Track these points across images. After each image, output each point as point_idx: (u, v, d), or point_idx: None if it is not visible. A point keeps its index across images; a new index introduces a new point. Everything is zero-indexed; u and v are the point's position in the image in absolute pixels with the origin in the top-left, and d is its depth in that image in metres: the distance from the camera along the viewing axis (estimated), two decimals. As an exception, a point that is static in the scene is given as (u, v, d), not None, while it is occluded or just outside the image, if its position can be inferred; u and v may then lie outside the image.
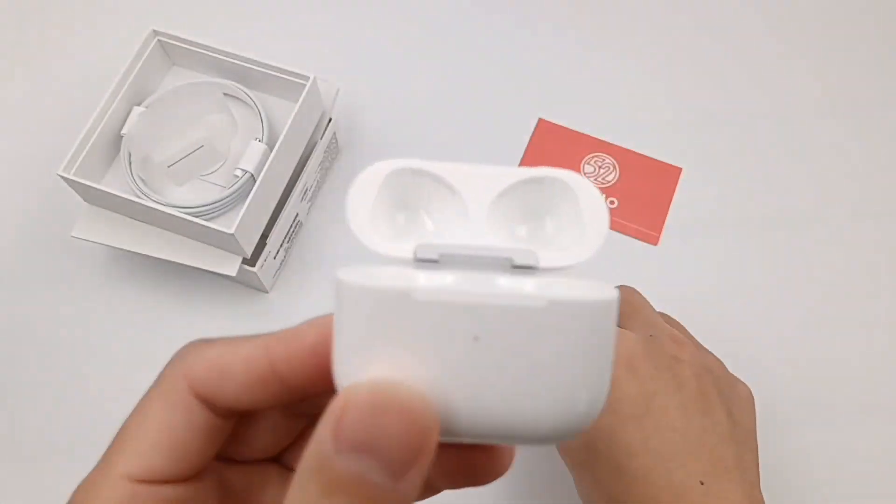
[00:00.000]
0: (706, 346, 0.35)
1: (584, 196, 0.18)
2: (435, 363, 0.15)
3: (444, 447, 0.15)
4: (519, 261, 0.17)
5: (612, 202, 0.48)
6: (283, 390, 0.18)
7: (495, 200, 0.18)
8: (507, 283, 0.16)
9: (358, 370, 0.15)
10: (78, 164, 0.40)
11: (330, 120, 0.46)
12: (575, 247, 0.18)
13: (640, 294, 0.37)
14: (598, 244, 0.17)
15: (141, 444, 0.17)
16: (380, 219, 0.18)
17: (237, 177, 0.41)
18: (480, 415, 0.15)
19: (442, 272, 0.16)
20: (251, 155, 0.41)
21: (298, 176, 0.44)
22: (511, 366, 0.15)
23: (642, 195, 0.48)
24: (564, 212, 0.18)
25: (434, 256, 0.17)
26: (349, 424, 0.13)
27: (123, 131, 0.42)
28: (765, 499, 0.30)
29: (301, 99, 0.41)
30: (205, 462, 0.18)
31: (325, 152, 0.46)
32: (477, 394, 0.15)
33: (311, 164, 0.45)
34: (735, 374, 0.35)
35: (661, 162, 0.49)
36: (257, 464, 0.20)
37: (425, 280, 0.16)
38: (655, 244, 0.46)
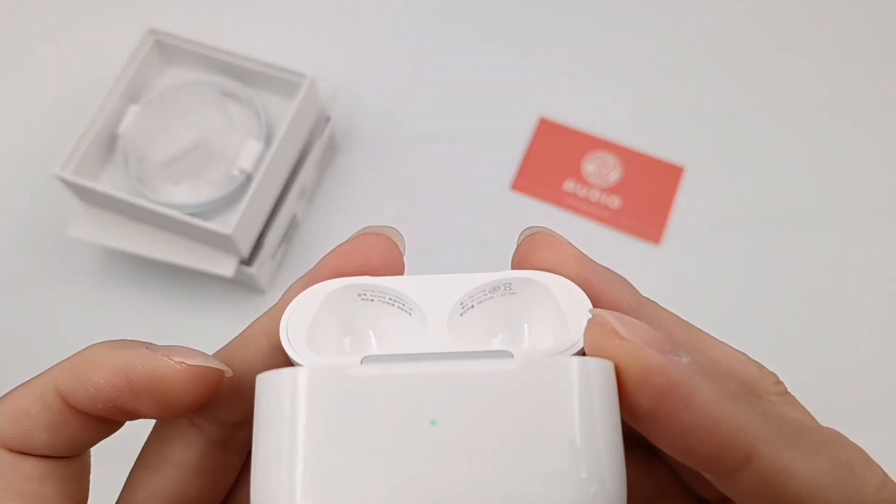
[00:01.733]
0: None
1: (562, 295, 0.15)
2: (382, 463, 0.11)
3: None
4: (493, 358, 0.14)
5: (614, 201, 0.47)
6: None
7: (455, 312, 0.15)
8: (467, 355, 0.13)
9: (280, 490, 0.12)
10: (75, 163, 0.40)
11: (328, 119, 0.46)
12: (560, 340, 0.15)
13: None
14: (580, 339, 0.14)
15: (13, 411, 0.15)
16: (321, 342, 0.15)
17: (234, 176, 0.40)
18: None
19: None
20: (248, 154, 0.40)
21: (296, 175, 0.44)
22: (482, 451, 0.12)
23: (645, 194, 0.47)
24: (542, 317, 0.15)
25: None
26: None
27: (120, 130, 0.42)
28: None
29: (299, 98, 0.41)
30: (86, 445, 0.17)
31: (323, 151, 0.46)
32: (443, 496, 0.11)
33: (308, 163, 0.44)
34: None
35: (664, 161, 0.48)
36: None
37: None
38: (658, 243, 0.46)
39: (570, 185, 0.48)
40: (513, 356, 0.14)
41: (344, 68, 0.50)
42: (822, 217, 0.47)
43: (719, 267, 0.45)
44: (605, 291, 0.16)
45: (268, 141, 0.41)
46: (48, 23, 0.54)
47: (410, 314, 0.15)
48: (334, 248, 0.16)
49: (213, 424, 0.17)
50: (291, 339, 0.14)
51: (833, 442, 0.14)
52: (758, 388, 0.16)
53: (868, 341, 0.43)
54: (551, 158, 0.48)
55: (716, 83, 0.52)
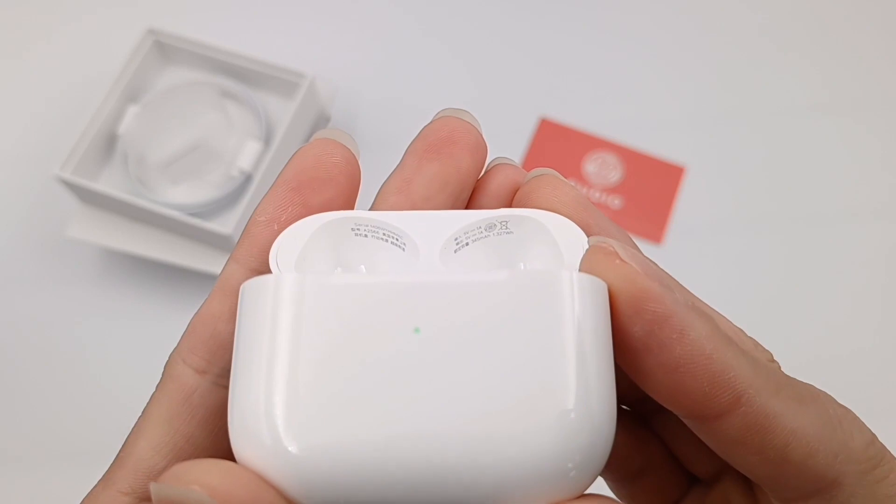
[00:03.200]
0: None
1: (560, 234, 0.14)
2: (363, 370, 0.11)
3: None
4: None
5: (615, 202, 0.47)
6: None
7: (446, 249, 0.14)
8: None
9: (258, 394, 0.11)
10: (74, 164, 0.40)
11: (328, 119, 0.46)
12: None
13: None
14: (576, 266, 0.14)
15: (141, 457, 0.15)
16: (311, 272, 0.14)
17: (234, 176, 0.40)
18: (427, 446, 0.11)
19: None
20: (248, 154, 0.40)
21: (296, 175, 0.44)
22: (464, 362, 0.11)
23: (646, 194, 0.47)
24: (539, 255, 0.15)
25: None
26: None
27: (119, 131, 0.42)
28: None
29: (299, 98, 0.41)
30: None
31: (323, 152, 0.46)
32: (428, 413, 0.11)
33: (309, 163, 0.44)
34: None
35: (665, 161, 0.48)
36: None
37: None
38: (659, 243, 0.46)
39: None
40: None
41: (344, 68, 0.50)
42: (822, 217, 0.47)
43: (720, 266, 0.45)
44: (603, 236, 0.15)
45: (267, 141, 0.41)
46: (47, 23, 0.54)
47: (404, 249, 0.15)
48: (291, 162, 0.16)
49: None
50: (281, 269, 0.14)
51: (822, 397, 0.14)
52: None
53: (868, 341, 0.43)
54: (552, 159, 0.48)
55: (716, 83, 0.51)
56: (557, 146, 0.49)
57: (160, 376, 0.16)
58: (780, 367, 0.16)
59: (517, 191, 0.16)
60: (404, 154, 0.16)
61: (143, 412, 0.16)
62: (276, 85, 0.43)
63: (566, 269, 0.13)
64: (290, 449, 0.11)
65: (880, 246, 0.46)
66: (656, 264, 0.14)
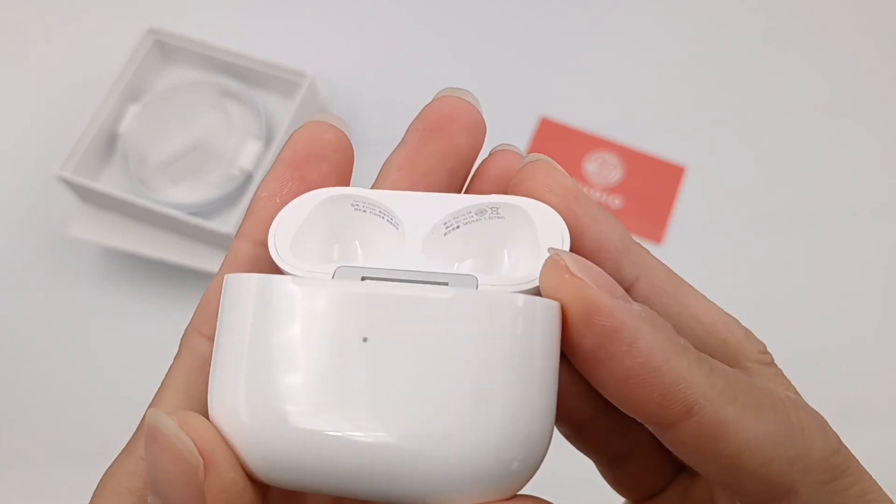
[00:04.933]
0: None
1: (543, 225, 0.15)
2: (316, 372, 0.12)
3: None
4: (455, 284, 0.14)
5: (615, 201, 0.47)
6: None
7: (436, 231, 0.15)
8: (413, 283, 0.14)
9: (228, 392, 0.13)
10: (75, 163, 0.40)
11: (329, 118, 0.46)
12: (526, 272, 0.15)
13: None
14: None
15: None
16: (308, 247, 0.15)
17: (234, 176, 0.40)
18: (363, 448, 0.12)
19: None
20: (248, 154, 0.40)
21: (297, 175, 0.44)
22: (405, 375, 0.12)
23: (646, 194, 0.47)
24: (520, 244, 0.15)
25: (356, 278, 0.14)
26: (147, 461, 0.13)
27: (120, 130, 0.42)
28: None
29: (299, 97, 0.41)
30: None
31: (323, 151, 0.46)
32: (361, 414, 0.12)
33: (309, 163, 0.44)
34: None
35: (665, 161, 0.48)
36: None
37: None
38: (659, 243, 0.46)
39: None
40: (475, 279, 0.14)
41: (344, 68, 0.50)
42: (822, 216, 0.47)
43: (721, 266, 0.45)
44: (591, 227, 0.15)
45: (268, 140, 0.41)
46: (48, 22, 0.54)
47: (397, 228, 0.15)
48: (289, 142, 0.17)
49: None
50: (278, 244, 0.15)
51: (787, 404, 0.14)
52: (739, 353, 0.16)
53: (868, 340, 0.43)
54: (552, 158, 0.48)
55: (716, 83, 0.51)
56: (557, 146, 0.49)
57: (169, 361, 0.17)
58: (772, 360, 0.16)
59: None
60: (406, 132, 0.17)
61: (161, 383, 0.16)
62: (277, 84, 0.43)
63: (531, 284, 0.14)
64: (242, 418, 0.13)
65: (880, 246, 0.46)
66: (651, 265, 0.15)
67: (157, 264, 0.44)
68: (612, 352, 0.13)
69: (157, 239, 0.41)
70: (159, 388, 0.16)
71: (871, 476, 0.14)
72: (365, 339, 0.12)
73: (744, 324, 0.17)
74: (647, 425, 0.14)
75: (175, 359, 0.16)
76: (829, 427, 0.14)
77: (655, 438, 0.17)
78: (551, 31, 0.54)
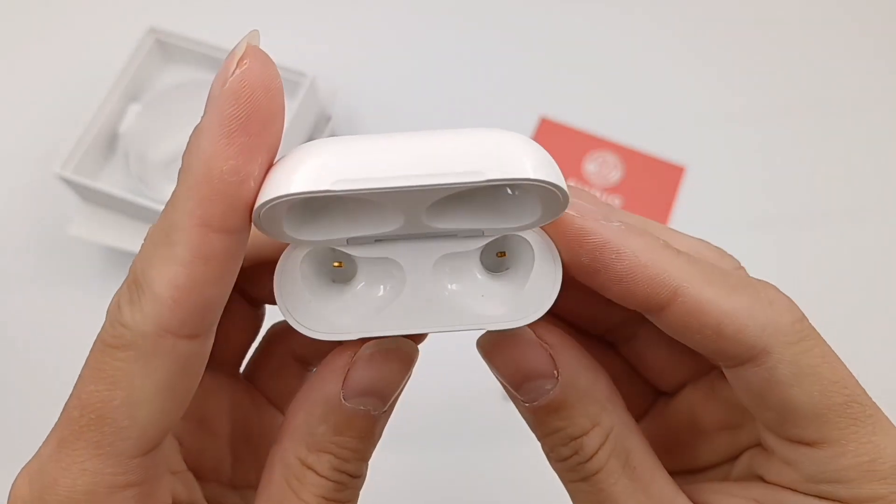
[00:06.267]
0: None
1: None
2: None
3: None
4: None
5: (615, 201, 0.47)
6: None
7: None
8: None
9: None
10: (75, 162, 0.40)
11: (329, 118, 0.46)
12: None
13: None
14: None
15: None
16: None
17: (235, 175, 0.40)
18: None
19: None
20: (249, 153, 0.40)
21: (297, 175, 0.44)
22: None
23: (646, 194, 0.47)
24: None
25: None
26: (358, 377, 0.17)
27: (121, 129, 0.42)
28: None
29: (299, 97, 0.41)
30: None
31: (324, 151, 0.46)
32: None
33: (309, 162, 0.44)
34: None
35: (665, 161, 0.48)
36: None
37: None
38: (658, 244, 0.46)
39: (571, 185, 0.48)
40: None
41: (344, 68, 0.50)
42: (822, 216, 0.47)
43: (720, 267, 0.45)
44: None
45: (268, 140, 0.41)
46: (48, 22, 0.54)
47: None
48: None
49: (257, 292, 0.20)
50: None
51: (757, 285, 0.17)
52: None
53: (869, 341, 0.43)
54: (553, 158, 0.48)
55: (716, 83, 0.51)
56: (557, 146, 0.49)
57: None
58: (745, 273, 0.19)
59: None
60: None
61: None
62: (278, 84, 0.43)
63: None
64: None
65: (880, 245, 0.46)
66: (600, 205, 0.17)
67: (158, 263, 0.44)
68: (604, 261, 0.16)
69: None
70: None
71: (828, 345, 0.17)
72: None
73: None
74: (645, 314, 0.17)
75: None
76: (795, 303, 0.17)
77: (635, 372, 0.21)
78: (551, 30, 0.54)
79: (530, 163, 0.14)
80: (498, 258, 0.18)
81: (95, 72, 0.48)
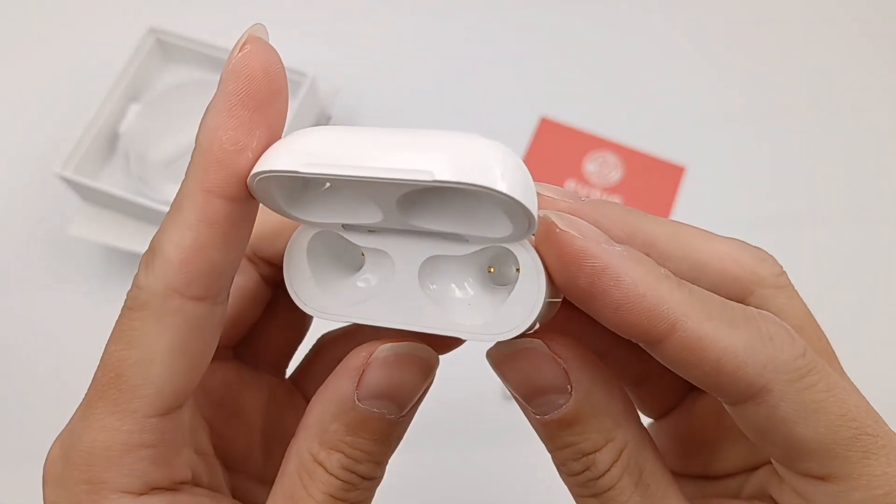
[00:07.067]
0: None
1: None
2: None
3: None
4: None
5: (615, 201, 0.47)
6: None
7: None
8: None
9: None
10: (76, 162, 0.40)
11: (329, 118, 0.46)
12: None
13: None
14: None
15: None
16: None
17: (235, 175, 0.40)
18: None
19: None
20: (249, 153, 0.40)
21: (297, 174, 0.44)
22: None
23: (646, 194, 0.47)
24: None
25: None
26: (373, 378, 0.17)
27: (121, 129, 0.42)
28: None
29: (299, 97, 0.41)
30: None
31: (324, 151, 0.46)
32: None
33: (310, 162, 0.44)
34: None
35: (665, 161, 0.48)
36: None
37: None
38: (658, 244, 0.46)
39: (571, 185, 0.48)
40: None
41: (344, 68, 0.50)
42: (822, 216, 0.47)
43: (720, 267, 0.45)
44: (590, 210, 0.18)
45: (268, 140, 0.41)
46: (48, 22, 0.54)
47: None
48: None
49: (263, 263, 0.20)
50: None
51: (759, 318, 0.16)
52: (752, 284, 0.18)
53: (869, 341, 0.43)
54: (552, 158, 0.48)
55: (716, 83, 0.51)
56: (557, 146, 0.49)
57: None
58: (787, 282, 0.18)
59: None
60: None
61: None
62: (277, 84, 0.43)
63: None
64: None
65: (880, 245, 0.46)
66: (618, 217, 0.17)
67: (158, 263, 0.44)
68: (603, 287, 0.15)
69: (158, 238, 0.41)
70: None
71: (835, 374, 0.16)
72: None
73: None
74: (641, 344, 0.16)
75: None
76: (797, 335, 0.16)
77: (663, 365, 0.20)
78: (551, 30, 0.54)
79: (495, 172, 0.14)
80: (492, 271, 0.18)
81: (95, 72, 0.48)
